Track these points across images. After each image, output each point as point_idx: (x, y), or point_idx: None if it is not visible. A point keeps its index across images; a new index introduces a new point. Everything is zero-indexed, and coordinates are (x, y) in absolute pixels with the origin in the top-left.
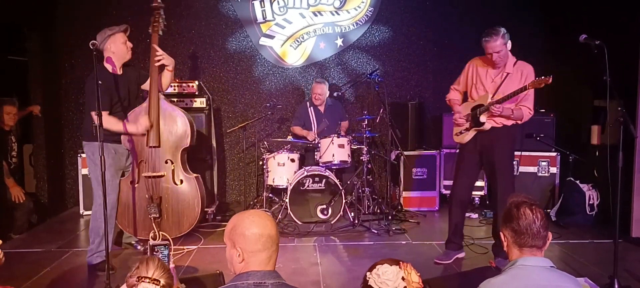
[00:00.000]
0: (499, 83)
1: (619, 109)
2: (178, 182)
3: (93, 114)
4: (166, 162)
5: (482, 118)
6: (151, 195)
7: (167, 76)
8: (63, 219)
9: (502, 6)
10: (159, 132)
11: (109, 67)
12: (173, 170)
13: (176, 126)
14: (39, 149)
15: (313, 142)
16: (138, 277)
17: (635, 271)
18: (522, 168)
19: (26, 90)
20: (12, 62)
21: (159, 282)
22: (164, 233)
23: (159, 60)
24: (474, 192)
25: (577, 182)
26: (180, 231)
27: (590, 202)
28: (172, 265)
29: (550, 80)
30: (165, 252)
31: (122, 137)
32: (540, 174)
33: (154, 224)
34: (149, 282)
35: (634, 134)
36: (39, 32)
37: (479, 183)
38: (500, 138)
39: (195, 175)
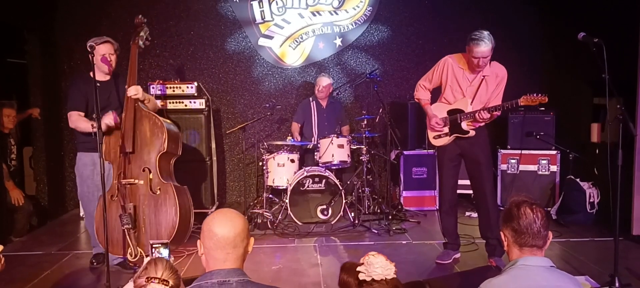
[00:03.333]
0: (476, 86)
1: (619, 106)
2: (156, 191)
3: (67, 114)
4: (143, 170)
5: (465, 125)
6: (123, 204)
7: (149, 104)
8: (63, 222)
9: (502, 4)
10: (133, 138)
11: (98, 74)
12: (150, 179)
13: (151, 131)
14: (38, 152)
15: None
16: (147, 278)
17: (636, 269)
18: (522, 167)
19: (26, 92)
20: (12, 64)
21: (168, 282)
22: (141, 250)
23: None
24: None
25: (578, 180)
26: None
27: (591, 200)
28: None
29: (547, 99)
30: (166, 252)
31: (104, 147)
32: (540, 172)
33: (128, 237)
34: (158, 283)
35: (633, 132)
36: (38, 34)
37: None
38: (479, 137)
39: (177, 184)
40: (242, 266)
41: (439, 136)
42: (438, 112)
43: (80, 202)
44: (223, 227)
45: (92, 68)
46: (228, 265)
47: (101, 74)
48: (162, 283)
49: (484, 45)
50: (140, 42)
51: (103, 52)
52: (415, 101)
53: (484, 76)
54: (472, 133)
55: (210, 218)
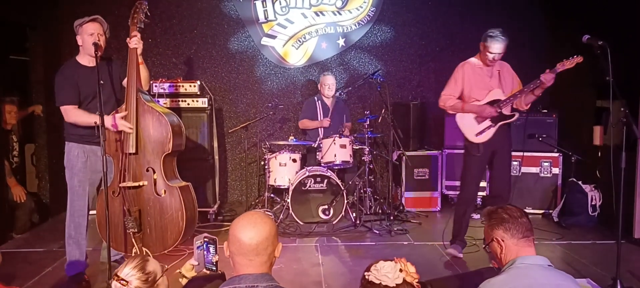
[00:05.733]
0: (497, 78)
1: (622, 109)
2: (161, 193)
3: (61, 108)
4: (147, 170)
5: (507, 111)
6: (128, 207)
7: (142, 71)
8: (64, 219)
9: (504, 6)
10: (136, 138)
11: (81, 59)
12: (155, 180)
13: (155, 130)
14: (40, 149)
15: (326, 128)
16: (115, 274)
17: (639, 272)
18: (525, 169)
19: (28, 89)
20: (15, 61)
21: (127, 283)
22: (146, 250)
23: (135, 43)
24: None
25: (580, 182)
26: (164, 247)
27: (593, 203)
28: (211, 259)
29: (582, 59)
30: (207, 247)
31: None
32: (542, 175)
33: (134, 240)
34: (116, 281)
35: (636, 135)
36: (41, 31)
37: (482, 184)
38: (508, 132)
39: (182, 184)
40: (270, 270)
41: (482, 131)
42: (472, 115)
43: (69, 197)
44: (247, 233)
45: (78, 51)
46: (251, 270)
47: (88, 58)
48: (120, 282)
49: (501, 41)
50: (141, 23)
51: (91, 32)
52: (417, 102)
53: (498, 70)
54: (516, 116)
55: (237, 222)
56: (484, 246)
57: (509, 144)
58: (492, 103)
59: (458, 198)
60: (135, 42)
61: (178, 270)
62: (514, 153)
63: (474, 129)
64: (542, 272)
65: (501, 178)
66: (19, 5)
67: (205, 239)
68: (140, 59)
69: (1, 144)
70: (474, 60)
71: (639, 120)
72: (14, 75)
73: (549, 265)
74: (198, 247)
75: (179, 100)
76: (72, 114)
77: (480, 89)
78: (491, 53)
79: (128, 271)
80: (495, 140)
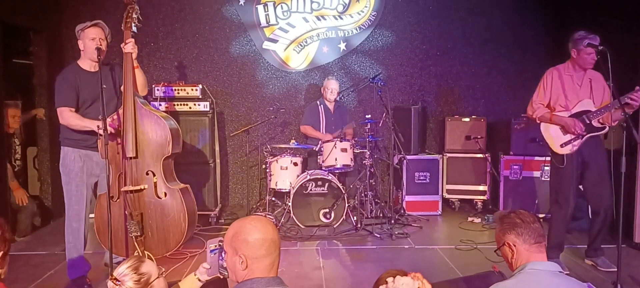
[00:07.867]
0: (588, 88)
1: (622, 113)
2: (161, 196)
3: (57, 110)
4: (147, 174)
5: (596, 123)
6: (130, 211)
7: (139, 76)
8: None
9: (505, 11)
10: (135, 142)
11: (83, 63)
12: (155, 183)
13: (154, 133)
14: (42, 152)
15: (327, 142)
16: (110, 274)
17: (639, 276)
18: (526, 173)
19: (31, 93)
20: (18, 65)
21: (120, 282)
22: (148, 253)
23: (130, 48)
24: (476, 197)
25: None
26: (167, 249)
27: None
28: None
29: None
30: (221, 251)
31: (100, 146)
32: (544, 179)
33: (136, 243)
34: (111, 280)
35: (637, 139)
36: (44, 35)
37: (481, 187)
38: (600, 142)
39: (181, 186)
40: (277, 273)
41: (568, 143)
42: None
43: (66, 202)
44: (266, 232)
45: (80, 56)
46: (273, 273)
47: (89, 63)
48: (114, 282)
49: (597, 39)
50: (134, 27)
51: (92, 36)
52: (418, 106)
53: (590, 78)
54: (606, 129)
55: (251, 228)
56: (495, 250)
57: (602, 155)
58: (580, 114)
59: (551, 210)
60: (130, 47)
61: (193, 273)
62: (515, 157)
63: (559, 140)
64: (551, 279)
65: (596, 193)
66: (22, 9)
67: (220, 243)
68: (135, 63)
69: (3, 147)
70: (563, 68)
71: (639, 124)
72: (17, 79)
73: (560, 272)
74: (212, 251)
75: (180, 104)
76: (67, 116)
77: (569, 97)
78: (590, 55)
79: (122, 270)
80: (585, 152)
